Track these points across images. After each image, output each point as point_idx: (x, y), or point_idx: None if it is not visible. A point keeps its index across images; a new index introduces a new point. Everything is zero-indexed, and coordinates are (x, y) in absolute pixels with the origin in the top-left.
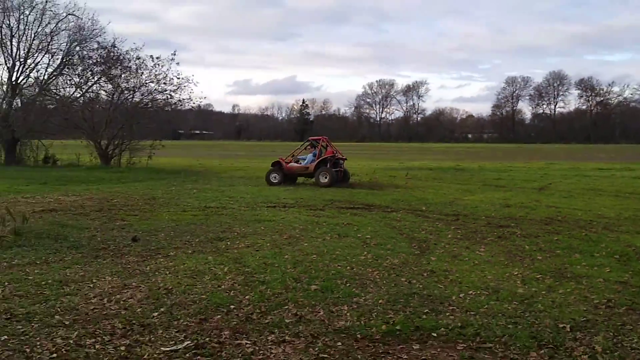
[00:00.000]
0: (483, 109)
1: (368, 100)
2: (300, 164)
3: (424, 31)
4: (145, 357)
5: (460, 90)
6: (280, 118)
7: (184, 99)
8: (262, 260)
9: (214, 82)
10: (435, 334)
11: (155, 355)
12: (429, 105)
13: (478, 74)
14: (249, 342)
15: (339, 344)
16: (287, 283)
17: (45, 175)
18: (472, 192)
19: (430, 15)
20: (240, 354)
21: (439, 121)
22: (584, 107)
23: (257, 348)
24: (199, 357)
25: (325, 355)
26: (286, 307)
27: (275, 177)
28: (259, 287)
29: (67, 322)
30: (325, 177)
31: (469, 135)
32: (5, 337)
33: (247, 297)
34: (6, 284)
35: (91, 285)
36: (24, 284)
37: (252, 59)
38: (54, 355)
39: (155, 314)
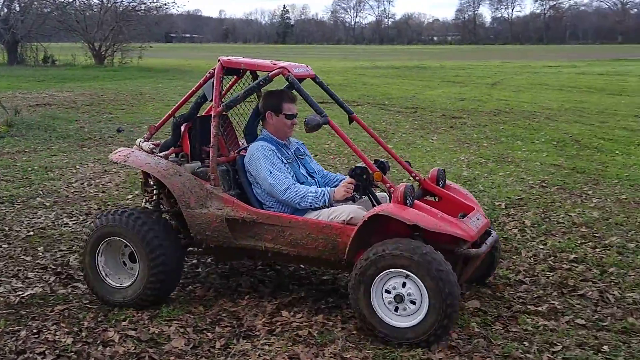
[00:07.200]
0: (448, 13)
1: (343, 5)
2: None
3: None
4: None
5: None
6: (264, 22)
7: (167, 3)
8: None
9: None
10: None
11: None
12: (398, 10)
13: None
14: None
15: None
16: None
17: (43, 74)
18: (432, 87)
19: None
20: None
21: (407, 25)
22: (538, 10)
23: None
24: None
25: None
26: None
27: None
28: None
29: (47, 204)
30: None
31: (435, 38)
32: None
33: None
34: None
35: (74, 171)
36: (11, 170)
37: None
38: (31, 233)
39: (130, 196)
